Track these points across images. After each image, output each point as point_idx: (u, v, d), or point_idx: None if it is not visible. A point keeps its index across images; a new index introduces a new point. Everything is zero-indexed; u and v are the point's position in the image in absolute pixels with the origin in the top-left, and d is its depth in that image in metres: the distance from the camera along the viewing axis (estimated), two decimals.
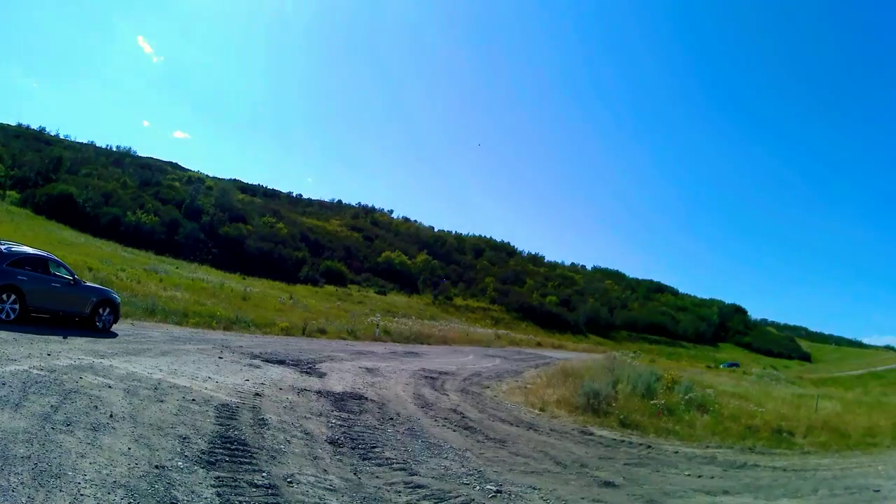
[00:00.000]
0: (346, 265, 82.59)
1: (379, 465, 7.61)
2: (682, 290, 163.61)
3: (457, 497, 6.78)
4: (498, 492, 7.27)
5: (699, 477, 9.82)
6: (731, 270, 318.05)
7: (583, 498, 7.66)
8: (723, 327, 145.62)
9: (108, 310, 15.29)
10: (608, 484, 8.62)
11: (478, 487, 7.34)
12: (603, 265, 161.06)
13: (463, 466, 8.33)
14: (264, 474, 6.21)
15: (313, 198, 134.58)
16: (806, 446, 14.04)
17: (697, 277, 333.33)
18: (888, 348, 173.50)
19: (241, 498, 5.40)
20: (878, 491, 9.69)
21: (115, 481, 5.05)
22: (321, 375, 14.23)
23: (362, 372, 16.14)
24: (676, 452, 11.92)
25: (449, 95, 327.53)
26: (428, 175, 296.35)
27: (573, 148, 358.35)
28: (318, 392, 11.96)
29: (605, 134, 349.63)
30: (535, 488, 7.74)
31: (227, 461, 6.38)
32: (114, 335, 14.78)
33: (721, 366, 77.25)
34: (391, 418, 10.91)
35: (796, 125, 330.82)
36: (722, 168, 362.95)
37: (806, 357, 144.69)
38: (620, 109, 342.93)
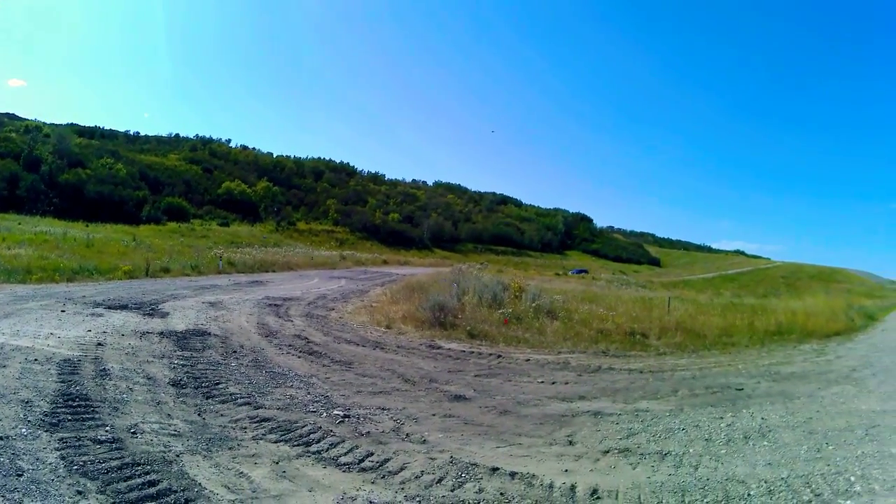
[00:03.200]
0: (187, 200, 79.73)
1: (223, 401, 7.40)
2: (525, 201, 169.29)
3: (303, 426, 6.67)
4: (346, 416, 7.20)
5: (553, 384, 9.91)
6: (574, 181, 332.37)
7: (434, 414, 7.65)
8: (569, 236, 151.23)
9: None
10: (459, 398, 8.61)
11: (325, 414, 7.25)
12: (444, 180, 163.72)
13: (309, 394, 8.20)
14: (107, 428, 5.92)
15: (151, 134, 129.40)
16: (661, 347, 14.31)
17: (540, 188, 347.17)
18: (738, 252, 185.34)
19: (85, 458, 5.12)
20: (741, 389, 9.90)
21: None
22: (164, 315, 13.76)
23: (205, 307, 15.73)
24: (528, 360, 11.99)
25: (278, 18, 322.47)
26: (264, 101, 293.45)
27: (405, 63, 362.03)
28: (161, 333, 11.51)
29: (433, 46, 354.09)
30: (384, 409, 7.72)
31: (69, 420, 6.04)
32: None
33: (570, 273, 78.88)
34: (235, 351, 10.64)
35: (645, 20, 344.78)
36: (558, 74, 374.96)
37: (655, 262, 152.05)
38: (447, 22, 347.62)
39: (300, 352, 11.20)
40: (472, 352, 12.58)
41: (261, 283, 24.98)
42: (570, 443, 6.75)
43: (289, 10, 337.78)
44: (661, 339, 15.15)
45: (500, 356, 12.20)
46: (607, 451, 6.44)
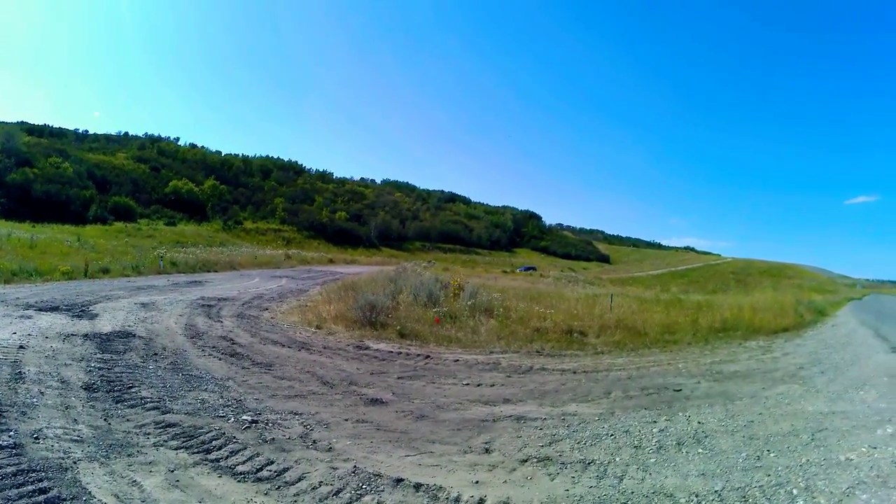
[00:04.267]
0: (134, 199, 78.93)
1: (132, 406, 7.13)
2: (474, 198, 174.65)
3: (208, 432, 6.42)
4: (254, 422, 6.98)
5: (478, 386, 9.62)
6: (524, 179, 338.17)
7: (346, 420, 7.36)
8: (518, 233, 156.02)
9: None
10: (376, 401, 8.33)
11: (233, 419, 7.03)
12: (393, 178, 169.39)
13: (222, 397, 8.00)
14: (11, 433, 5.80)
15: (100, 132, 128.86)
16: (599, 346, 14.02)
17: (490, 186, 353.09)
18: (688, 249, 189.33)
19: None
20: (678, 391, 9.53)
21: None
22: (93, 317, 13.31)
23: (137, 308, 15.30)
24: (457, 361, 11.70)
25: (229, 17, 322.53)
26: (214, 99, 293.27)
27: (355, 59, 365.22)
28: (86, 335, 11.11)
29: (384, 44, 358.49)
30: (296, 413, 7.49)
31: None
32: None
33: (518, 270, 79.33)
34: (156, 353, 10.30)
35: (599, 21, 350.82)
36: (511, 74, 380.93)
37: (605, 259, 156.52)
38: (397, 18, 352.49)
39: (222, 353, 10.92)
40: (401, 352, 12.34)
41: (199, 284, 24.67)
42: (487, 451, 6.45)
43: (239, 8, 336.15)
44: (600, 338, 14.90)
45: (428, 357, 11.95)
46: (526, 461, 6.13)
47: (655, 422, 7.54)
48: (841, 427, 7.13)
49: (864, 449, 6.15)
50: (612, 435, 6.94)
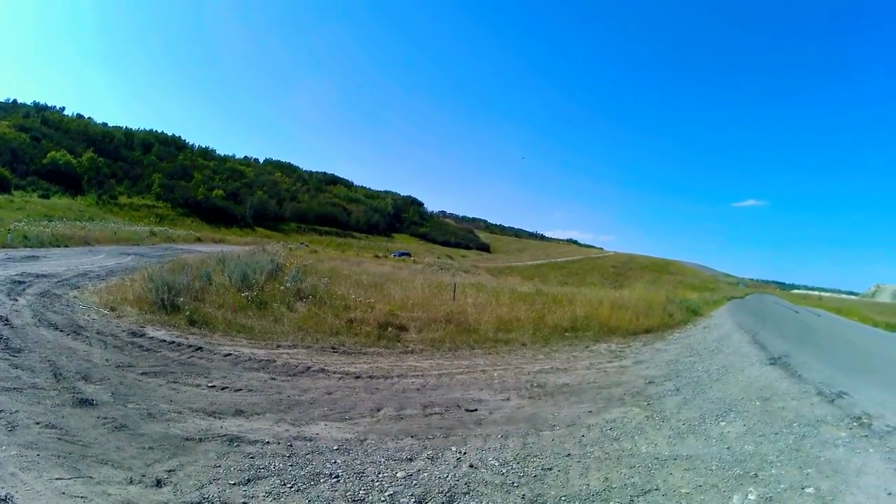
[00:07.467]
0: (11, 170, 76.62)
1: None
2: (357, 182, 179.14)
3: None
4: None
5: (223, 389, 8.07)
6: (409, 164, 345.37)
7: (37, 423, 6.10)
8: (398, 218, 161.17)
9: None
10: (85, 403, 6.92)
11: None
12: (276, 158, 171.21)
13: None
14: None
15: None
16: (413, 344, 12.57)
17: (374, 170, 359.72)
18: (571, 242, 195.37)
19: None
20: (473, 411, 7.67)
21: None
22: None
23: None
24: (228, 355, 10.11)
25: None
26: (107, 68, 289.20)
27: (241, 37, 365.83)
28: None
29: (280, 19, 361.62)
30: None
31: None
32: None
33: (392, 255, 79.57)
34: None
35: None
36: (405, 57, 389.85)
37: (485, 247, 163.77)
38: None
39: None
40: (174, 342, 10.80)
41: (35, 259, 23.01)
42: (159, 483, 4.96)
43: None
44: (422, 333, 13.62)
45: (199, 349, 10.47)
46: None
47: (411, 460, 5.76)
48: (679, 486, 5.22)
49: None
50: (336, 477, 5.27)
